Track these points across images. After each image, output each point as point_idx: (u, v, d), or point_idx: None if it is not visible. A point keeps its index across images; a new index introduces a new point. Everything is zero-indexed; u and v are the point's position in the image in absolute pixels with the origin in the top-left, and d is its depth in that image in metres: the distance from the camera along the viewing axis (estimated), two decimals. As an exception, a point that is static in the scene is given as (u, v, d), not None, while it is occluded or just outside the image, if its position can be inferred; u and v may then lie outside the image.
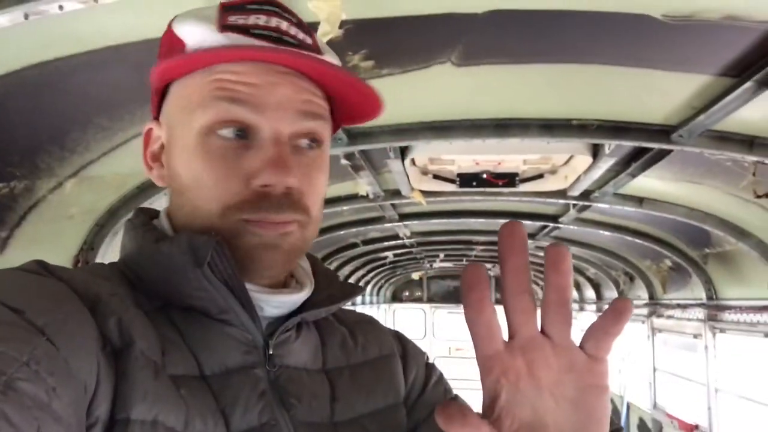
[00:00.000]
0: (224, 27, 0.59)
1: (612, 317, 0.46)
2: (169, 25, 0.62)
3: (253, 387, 0.58)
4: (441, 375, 0.79)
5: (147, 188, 2.50)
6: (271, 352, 0.61)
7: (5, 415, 0.39)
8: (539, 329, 0.47)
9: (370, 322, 0.77)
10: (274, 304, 0.62)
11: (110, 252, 2.56)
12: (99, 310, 0.52)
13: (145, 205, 2.54)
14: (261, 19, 0.59)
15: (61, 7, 1.22)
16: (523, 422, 0.46)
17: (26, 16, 1.22)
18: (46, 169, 2.02)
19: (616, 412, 7.51)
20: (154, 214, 0.67)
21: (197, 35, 0.59)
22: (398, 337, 0.78)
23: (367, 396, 0.67)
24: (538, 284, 11.60)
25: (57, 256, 2.45)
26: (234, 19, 0.59)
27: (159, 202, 2.58)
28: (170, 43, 0.61)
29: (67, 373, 0.46)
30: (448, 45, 1.72)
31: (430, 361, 0.80)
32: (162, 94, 0.63)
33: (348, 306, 0.74)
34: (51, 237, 2.34)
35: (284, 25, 0.61)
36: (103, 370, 0.50)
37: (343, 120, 0.67)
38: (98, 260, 2.53)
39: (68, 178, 2.14)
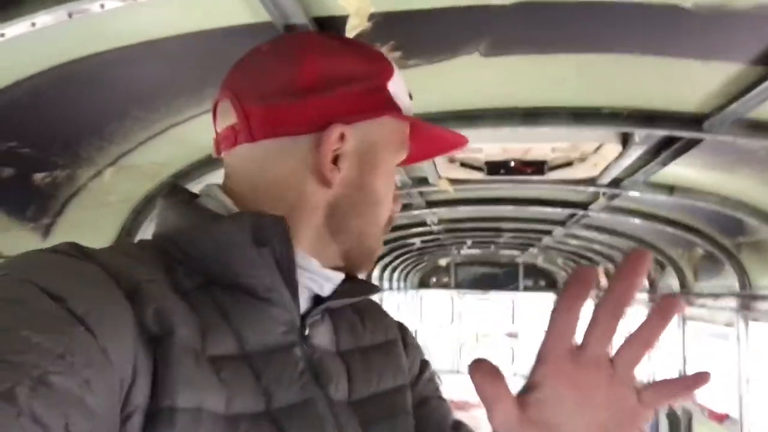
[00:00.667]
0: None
1: (683, 389, 0.50)
2: (382, 62, 0.74)
3: (293, 365, 0.61)
4: (434, 373, 0.86)
5: (181, 176, 2.57)
6: (307, 333, 0.65)
7: (32, 413, 0.40)
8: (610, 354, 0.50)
9: (376, 308, 0.82)
10: (331, 282, 0.69)
11: (147, 237, 2.65)
12: (137, 297, 0.53)
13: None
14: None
15: (102, 6, 1.27)
16: (546, 422, 0.49)
17: (70, 15, 1.28)
18: (86, 158, 2.11)
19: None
20: (189, 192, 0.73)
21: (402, 91, 0.73)
22: (400, 326, 0.84)
23: (379, 377, 0.72)
24: (566, 270, 11.50)
25: (96, 241, 2.52)
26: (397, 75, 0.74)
27: (194, 190, 2.65)
28: (384, 81, 0.72)
29: (103, 364, 0.47)
30: (474, 36, 1.73)
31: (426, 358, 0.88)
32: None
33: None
34: (91, 223, 2.44)
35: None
36: (141, 359, 0.50)
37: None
38: (135, 246, 2.62)
39: (107, 167, 2.23)
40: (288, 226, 0.60)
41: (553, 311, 0.51)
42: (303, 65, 0.66)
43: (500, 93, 2.21)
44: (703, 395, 5.62)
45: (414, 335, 0.85)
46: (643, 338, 0.51)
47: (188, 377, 0.52)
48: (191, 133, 2.21)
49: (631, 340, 0.51)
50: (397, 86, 0.72)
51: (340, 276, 0.70)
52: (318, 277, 0.67)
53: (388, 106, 0.70)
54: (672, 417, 6.46)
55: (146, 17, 1.47)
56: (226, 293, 0.60)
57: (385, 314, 0.83)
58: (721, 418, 5.12)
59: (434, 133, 0.80)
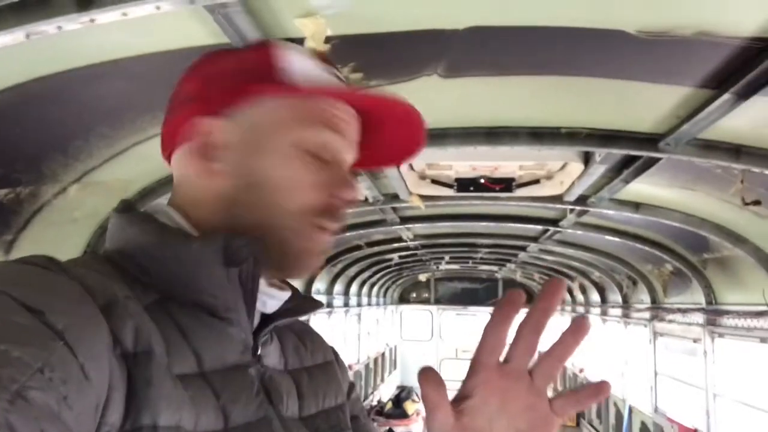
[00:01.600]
0: (323, 69, 0.68)
1: (586, 398, 0.58)
2: (266, 47, 0.68)
3: (249, 384, 0.61)
4: (358, 394, 0.87)
5: (148, 193, 2.58)
6: (259, 353, 0.65)
7: (10, 426, 0.39)
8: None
9: (312, 331, 0.83)
10: (276, 299, 0.68)
11: (113, 254, 2.65)
12: (114, 312, 0.52)
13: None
14: (336, 72, 0.70)
15: (59, 27, 1.29)
16: (476, 427, 0.57)
17: (27, 36, 1.30)
18: (50, 175, 2.11)
19: (619, 416, 7.52)
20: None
21: (303, 64, 0.67)
22: (333, 349, 0.85)
23: (324, 395, 0.73)
24: (543, 285, 11.59)
25: (61, 258, 2.53)
26: (329, 68, 0.69)
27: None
28: (268, 63, 0.66)
29: (80, 381, 0.46)
30: (432, 59, 1.78)
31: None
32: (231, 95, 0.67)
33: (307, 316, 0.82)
34: (55, 240, 2.42)
35: (341, 77, 0.72)
36: (116, 376, 0.50)
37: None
38: (102, 262, 2.61)
39: (72, 184, 2.23)
40: (262, 247, 0.61)
41: (488, 325, 0.57)
42: (183, 79, 0.70)
43: (461, 113, 2.27)
44: (673, 411, 5.70)
45: (342, 358, 0.85)
46: (558, 354, 0.58)
47: (169, 396, 0.52)
48: (156, 151, 2.22)
49: (546, 355, 0.58)
50: (301, 65, 0.66)
51: (284, 294, 0.69)
52: (263, 295, 0.66)
53: (263, 87, 0.65)
54: (644, 431, 6.53)
55: (107, 38, 1.49)
56: (183, 310, 0.59)
57: (320, 336, 0.83)
58: (691, 432, 5.19)
59: (389, 132, 0.72)
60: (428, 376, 0.56)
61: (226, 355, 0.60)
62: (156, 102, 1.94)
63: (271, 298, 0.67)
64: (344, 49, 1.63)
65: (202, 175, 0.65)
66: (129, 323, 0.53)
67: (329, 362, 0.79)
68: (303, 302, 0.73)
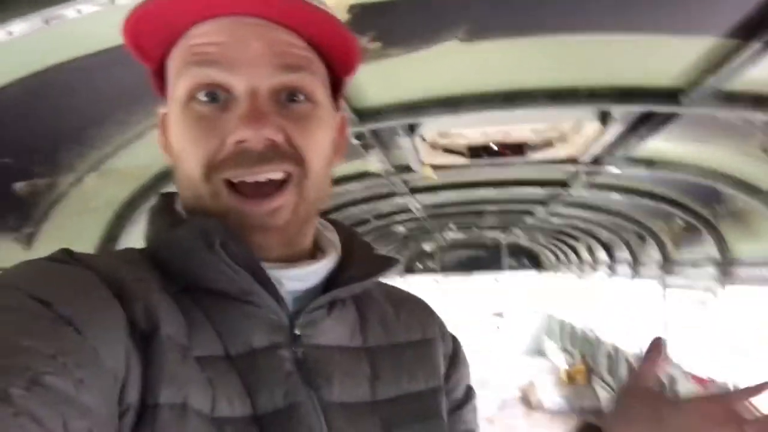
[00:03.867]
0: None
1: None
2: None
3: (278, 368, 0.57)
4: (476, 406, 0.76)
5: (164, 177, 2.54)
6: (297, 332, 0.60)
7: (30, 412, 0.39)
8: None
9: (418, 303, 0.76)
10: (293, 277, 0.61)
11: (131, 242, 2.63)
12: (125, 296, 0.52)
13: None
14: None
15: (79, 11, 1.25)
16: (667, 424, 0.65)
17: (46, 21, 1.26)
18: (66, 166, 2.08)
19: (631, 368, 7.62)
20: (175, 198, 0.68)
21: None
22: (453, 339, 0.76)
23: (410, 377, 0.66)
24: (548, 247, 11.65)
25: (80, 248, 2.50)
26: None
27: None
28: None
29: (95, 363, 0.46)
30: (453, 23, 1.73)
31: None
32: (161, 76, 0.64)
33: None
34: (74, 230, 2.40)
35: None
36: (133, 357, 0.50)
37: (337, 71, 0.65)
38: (121, 250, 2.60)
39: (88, 173, 2.20)
40: (232, 229, 0.57)
41: (642, 366, 0.72)
42: None
43: (479, 78, 2.22)
44: (685, 360, 5.77)
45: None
46: None
47: (172, 373, 0.51)
48: (172, 134, 2.19)
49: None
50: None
51: (315, 266, 0.63)
52: (280, 277, 0.60)
53: (135, 36, 0.60)
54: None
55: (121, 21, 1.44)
56: (208, 296, 0.58)
57: (428, 312, 0.75)
58: (704, 383, 5.26)
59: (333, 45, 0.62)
60: (657, 347, 0.71)
61: (251, 338, 0.58)
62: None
63: (298, 277, 0.62)
64: (364, 18, 1.59)
65: (169, 164, 0.65)
66: (137, 304, 0.52)
67: (428, 340, 0.71)
68: (370, 265, 0.66)
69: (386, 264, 0.66)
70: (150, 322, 0.52)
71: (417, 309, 0.74)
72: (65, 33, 1.42)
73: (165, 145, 0.65)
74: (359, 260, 0.66)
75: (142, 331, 0.52)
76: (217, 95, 0.57)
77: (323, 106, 0.62)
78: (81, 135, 1.98)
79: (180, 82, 0.58)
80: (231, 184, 0.58)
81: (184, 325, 0.55)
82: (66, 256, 0.55)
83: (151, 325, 0.52)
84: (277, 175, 0.58)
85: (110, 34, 1.51)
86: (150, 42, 0.60)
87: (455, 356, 0.74)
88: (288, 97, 0.59)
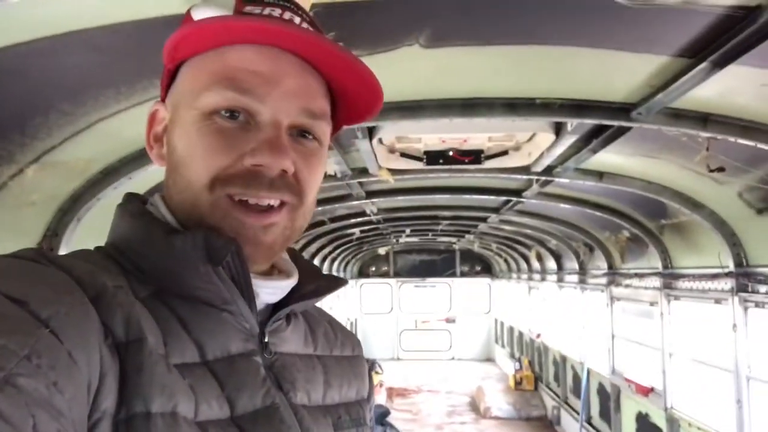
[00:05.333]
0: (239, 12, 0.60)
1: None
2: (187, 13, 0.63)
3: (255, 372, 0.60)
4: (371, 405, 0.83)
5: (111, 172, 2.45)
6: (266, 340, 0.64)
7: (0, 411, 0.39)
8: None
9: (341, 324, 0.82)
10: (269, 289, 0.65)
11: (75, 238, 2.51)
12: (104, 302, 0.52)
13: (109, 190, 2.49)
14: (275, 11, 0.61)
15: (21, -7, 1.18)
16: None
17: (-14, 2, 1.18)
18: (6, 156, 1.97)
19: (576, 378, 7.82)
20: (143, 199, 0.67)
21: (211, 15, 0.61)
22: (367, 359, 0.83)
23: (349, 386, 0.72)
24: (500, 254, 11.85)
25: (19, 243, 2.39)
26: (249, 8, 0.61)
27: (123, 187, 2.53)
28: (170, 47, 0.63)
29: (70, 367, 0.46)
30: (415, 27, 1.73)
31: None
32: (172, 76, 0.64)
33: None
34: (13, 224, 2.28)
35: (297, 20, 0.62)
36: (107, 363, 0.50)
37: (344, 119, 0.69)
38: (63, 247, 2.48)
39: (30, 164, 2.09)
40: (240, 247, 0.59)
41: None
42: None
43: (439, 84, 2.24)
44: (630, 372, 5.95)
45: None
46: None
47: (161, 383, 0.52)
48: (119, 127, 2.11)
49: None
50: (208, 14, 0.61)
51: (286, 282, 0.66)
52: (258, 288, 0.63)
53: (167, 60, 0.63)
54: (602, 392, 6.82)
55: (74, 6, 1.38)
56: (182, 302, 0.59)
57: (354, 336, 0.82)
58: (647, 392, 5.44)
59: (349, 84, 0.64)
60: None
61: (229, 345, 0.60)
62: (120, 76, 1.83)
63: (265, 289, 0.65)
64: (326, 17, 1.57)
65: (156, 163, 0.65)
66: (118, 313, 0.52)
67: (357, 357, 0.78)
68: (322, 283, 0.70)
69: (335, 283, 0.71)
70: (132, 331, 0.52)
71: (348, 332, 0.80)
72: (8, 16, 1.34)
73: (157, 144, 0.65)
74: (310, 279, 0.70)
75: (118, 339, 0.52)
76: (238, 115, 0.59)
77: (326, 151, 0.67)
78: (23, 124, 1.88)
79: (208, 97, 0.59)
80: (232, 200, 0.60)
81: (159, 333, 0.55)
82: (38, 256, 0.55)
83: (134, 335, 0.52)
84: (276, 202, 0.61)
85: (56, 21, 1.44)
86: (187, 50, 0.62)
87: (370, 379, 0.81)
88: (299, 133, 0.62)
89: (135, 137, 2.33)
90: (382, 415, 5.78)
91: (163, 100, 0.66)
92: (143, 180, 2.64)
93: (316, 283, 0.70)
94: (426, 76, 2.15)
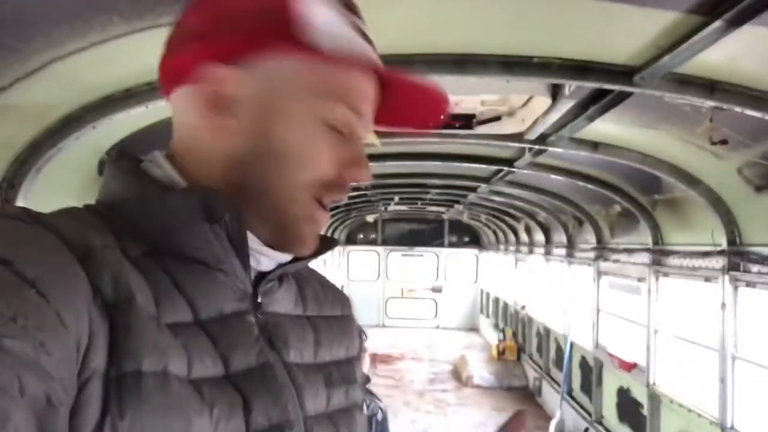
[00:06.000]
0: (351, 23, 0.63)
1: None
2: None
3: (248, 331, 0.62)
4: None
5: (72, 120, 2.27)
6: (259, 300, 0.65)
7: None
8: None
9: (334, 286, 0.84)
10: (272, 259, 0.66)
11: (33, 190, 2.35)
12: (91, 261, 0.52)
13: (71, 140, 2.32)
14: (360, 22, 0.65)
15: None
16: None
17: None
18: (-51, 95, 1.79)
19: (559, 350, 7.82)
20: (137, 158, 0.67)
21: (327, 19, 0.61)
22: (351, 306, 0.85)
23: (339, 345, 0.74)
24: (489, 226, 11.78)
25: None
26: (353, 19, 0.64)
27: (87, 137, 2.35)
28: (285, 11, 0.60)
29: (57, 327, 0.46)
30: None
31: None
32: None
33: None
34: (-38, 172, 2.11)
35: (365, 28, 0.66)
36: (96, 322, 0.50)
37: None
38: (20, 199, 2.32)
39: (-22, 107, 1.91)
40: (239, 204, 0.60)
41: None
42: (188, 11, 0.64)
43: (429, 37, 2.06)
44: (613, 346, 5.93)
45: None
46: None
47: (152, 341, 0.52)
48: (78, 70, 1.92)
49: None
50: (325, 20, 0.61)
51: (280, 256, 0.67)
52: (256, 253, 0.65)
53: (283, 45, 0.60)
54: (584, 366, 6.82)
55: None
56: (176, 262, 0.59)
57: (346, 297, 0.84)
58: (629, 367, 5.41)
59: (409, 92, 0.67)
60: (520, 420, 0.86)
61: (222, 304, 0.61)
62: (75, 9, 1.64)
63: (264, 257, 0.66)
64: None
65: (209, 129, 0.62)
66: (106, 272, 0.52)
67: (347, 316, 0.80)
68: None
69: (327, 244, 0.72)
70: (120, 291, 0.53)
71: (338, 292, 0.82)
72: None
73: (221, 110, 0.61)
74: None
75: (107, 298, 0.52)
76: (347, 132, 0.64)
77: None
78: (-36, 60, 1.69)
79: (335, 111, 0.62)
80: (316, 199, 0.64)
81: (150, 292, 0.55)
82: (23, 214, 0.54)
83: (122, 294, 0.52)
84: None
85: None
86: (312, 48, 0.61)
87: (360, 338, 0.83)
88: None
89: (98, 82, 2.14)
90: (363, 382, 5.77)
91: (219, 60, 0.60)
92: (108, 130, 2.46)
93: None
94: (416, 28, 1.97)
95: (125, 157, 0.66)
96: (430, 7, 1.84)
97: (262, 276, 0.66)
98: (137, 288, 0.54)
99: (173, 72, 0.64)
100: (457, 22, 1.97)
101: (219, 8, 0.63)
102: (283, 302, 0.70)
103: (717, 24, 1.67)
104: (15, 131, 2.20)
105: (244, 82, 0.61)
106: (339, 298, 0.81)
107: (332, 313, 0.77)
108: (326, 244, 0.72)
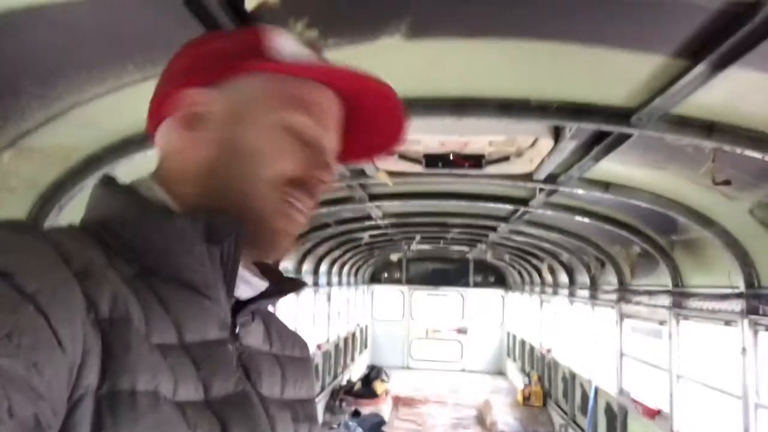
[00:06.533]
0: (317, 51, 0.73)
1: None
2: (256, 30, 0.71)
3: (229, 360, 0.64)
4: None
5: (93, 161, 2.40)
6: (237, 331, 0.68)
7: None
8: None
9: (289, 327, 0.85)
10: (251, 286, 0.70)
11: (56, 225, 2.48)
12: (90, 277, 0.52)
13: (92, 179, 2.45)
14: (321, 57, 0.74)
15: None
16: None
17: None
18: (-22, 138, 1.93)
19: (584, 396, 7.61)
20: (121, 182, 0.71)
21: (292, 46, 0.70)
22: (309, 352, 0.87)
23: (301, 384, 0.77)
24: (513, 266, 11.65)
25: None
26: (315, 53, 0.73)
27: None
28: (257, 42, 0.69)
29: (53, 346, 0.46)
30: (396, 14, 1.64)
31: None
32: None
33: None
34: (-10, 209, 2.25)
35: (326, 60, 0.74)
36: (90, 339, 0.50)
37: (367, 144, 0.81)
38: (42, 234, 2.45)
39: (5, 149, 2.05)
40: (241, 227, 0.63)
41: None
42: (174, 57, 0.73)
43: (427, 81, 2.14)
44: (638, 392, 5.75)
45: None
46: None
47: (147, 362, 0.53)
48: (98, 116, 2.06)
49: None
50: (290, 46, 0.70)
51: (261, 284, 0.71)
52: (239, 280, 0.67)
53: (251, 62, 0.68)
54: (609, 413, 6.61)
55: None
56: (165, 284, 0.60)
57: (299, 335, 0.86)
58: (654, 414, 5.24)
59: (371, 117, 0.75)
60: None
61: (206, 330, 0.62)
62: (93, 57, 1.77)
63: (246, 285, 0.69)
64: (299, 3, 1.50)
65: (186, 143, 0.67)
66: (106, 289, 0.53)
67: (306, 359, 0.83)
68: (284, 283, 0.75)
69: (296, 284, 0.77)
70: (118, 309, 0.53)
71: (296, 335, 0.84)
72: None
73: (195, 125, 0.68)
74: (274, 278, 0.74)
75: (102, 315, 0.52)
76: (310, 139, 0.69)
77: None
78: (-8, 105, 1.83)
79: (294, 117, 0.68)
80: (286, 199, 0.67)
81: (141, 313, 0.56)
82: (27, 228, 0.56)
83: (120, 313, 0.53)
84: (305, 219, 0.71)
85: (9, -7, 1.39)
86: (271, 66, 0.69)
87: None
88: None
89: (116, 126, 2.28)
90: (378, 425, 5.61)
91: (197, 86, 0.68)
92: (127, 170, 2.59)
93: (279, 283, 0.75)
94: (411, 72, 2.06)
95: (114, 180, 0.68)
96: (424, 52, 1.92)
97: (238, 308, 0.68)
98: (134, 308, 0.55)
99: (156, 109, 0.71)
100: (454, 65, 2.05)
101: (202, 48, 0.72)
102: (254, 336, 0.72)
103: (702, 67, 1.71)
104: (39, 171, 2.34)
105: (217, 99, 0.68)
106: (298, 341, 0.83)
107: (293, 353, 0.80)
108: (295, 284, 0.77)
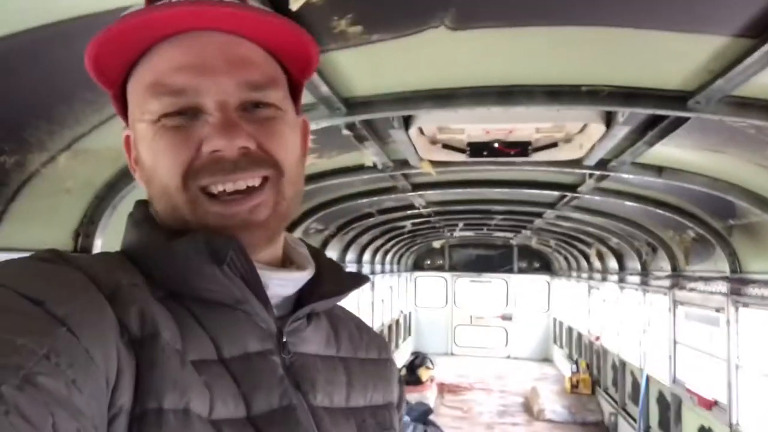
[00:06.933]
0: (149, 2, 0.61)
1: None
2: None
3: (272, 372, 0.61)
4: (402, 414, 0.83)
5: (144, 161, 2.46)
6: (285, 340, 0.64)
7: (19, 409, 0.40)
8: None
9: (368, 326, 0.81)
10: (278, 281, 0.65)
11: (110, 225, 2.55)
12: (119, 299, 0.53)
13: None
14: None
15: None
16: None
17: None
18: (36, 143, 1.99)
19: (636, 385, 7.44)
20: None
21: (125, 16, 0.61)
22: (389, 351, 0.82)
23: (374, 389, 0.72)
24: (559, 251, 11.44)
25: (56, 229, 2.44)
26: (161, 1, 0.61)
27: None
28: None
29: (88, 364, 0.46)
30: (439, 6, 1.61)
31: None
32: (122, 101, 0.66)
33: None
34: (49, 211, 2.32)
35: None
36: (124, 359, 0.50)
37: (298, 77, 0.69)
38: (99, 233, 2.52)
39: (61, 152, 2.11)
40: (242, 244, 0.59)
41: None
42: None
43: (472, 70, 2.10)
44: (692, 381, 5.58)
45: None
46: None
47: (174, 379, 0.52)
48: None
49: None
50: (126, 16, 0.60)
51: (300, 275, 0.67)
52: (272, 280, 0.64)
53: (98, 59, 0.62)
54: (662, 402, 6.44)
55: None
56: (197, 303, 0.60)
57: (384, 340, 0.83)
58: (710, 405, 5.07)
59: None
60: None
61: (246, 343, 0.61)
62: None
63: (281, 282, 0.66)
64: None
65: (141, 183, 0.66)
66: (132, 308, 0.53)
67: (385, 360, 0.78)
68: (344, 281, 0.71)
69: (357, 281, 0.72)
70: (146, 327, 0.53)
71: (375, 335, 0.80)
72: (12, 1, 1.32)
73: (134, 165, 0.67)
74: (331, 276, 0.70)
75: (133, 335, 0.52)
76: (185, 112, 0.60)
77: (287, 110, 0.66)
78: (48, 112, 1.89)
79: (149, 107, 0.60)
80: (208, 193, 0.61)
81: (177, 329, 0.56)
82: (54, 257, 0.56)
83: (148, 331, 0.53)
84: (256, 182, 0.61)
85: (61, 5, 1.42)
86: (111, 64, 0.62)
87: (401, 384, 0.81)
88: (253, 105, 0.62)
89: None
90: (425, 413, 5.62)
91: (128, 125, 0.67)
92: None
93: (337, 282, 0.70)
94: (457, 61, 2.01)
95: (139, 206, 0.68)
96: (469, 42, 1.87)
97: (290, 313, 0.66)
98: (164, 324, 0.55)
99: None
100: (499, 54, 2.00)
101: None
102: (312, 342, 0.68)
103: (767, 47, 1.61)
104: (94, 172, 2.41)
105: (131, 133, 0.66)
106: (376, 341, 0.78)
107: (368, 356, 0.75)
108: (355, 280, 0.72)
